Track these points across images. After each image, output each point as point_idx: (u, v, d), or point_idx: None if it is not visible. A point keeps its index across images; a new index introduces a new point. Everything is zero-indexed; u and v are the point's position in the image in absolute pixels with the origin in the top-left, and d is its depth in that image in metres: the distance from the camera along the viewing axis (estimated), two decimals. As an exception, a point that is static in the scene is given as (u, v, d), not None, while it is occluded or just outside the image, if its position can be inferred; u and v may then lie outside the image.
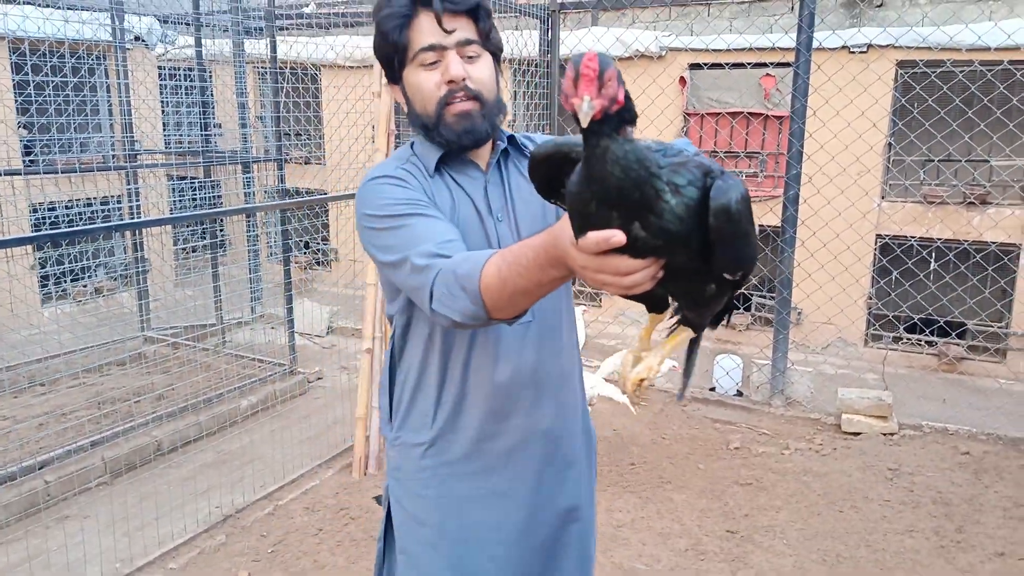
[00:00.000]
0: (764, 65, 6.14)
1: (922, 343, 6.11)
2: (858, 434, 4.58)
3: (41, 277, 6.94)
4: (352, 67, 7.80)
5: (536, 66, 5.40)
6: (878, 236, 5.98)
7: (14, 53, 6.09)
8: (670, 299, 1.17)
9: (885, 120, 5.66)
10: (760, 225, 6.33)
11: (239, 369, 5.43)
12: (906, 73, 5.70)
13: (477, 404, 1.49)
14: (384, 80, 4.00)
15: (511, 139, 1.56)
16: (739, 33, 6.54)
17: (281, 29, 8.54)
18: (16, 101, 6.26)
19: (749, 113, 6.42)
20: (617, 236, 0.94)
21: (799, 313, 6.49)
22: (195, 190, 6.65)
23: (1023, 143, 5.75)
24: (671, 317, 1.20)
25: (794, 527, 3.58)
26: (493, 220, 1.48)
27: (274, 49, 5.18)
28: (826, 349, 6.52)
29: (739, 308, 7.16)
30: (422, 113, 1.44)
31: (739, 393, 5.34)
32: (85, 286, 7.31)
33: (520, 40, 5.45)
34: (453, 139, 1.43)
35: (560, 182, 1.10)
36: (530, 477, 1.54)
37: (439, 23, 1.38)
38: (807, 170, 5.99)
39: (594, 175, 0.92)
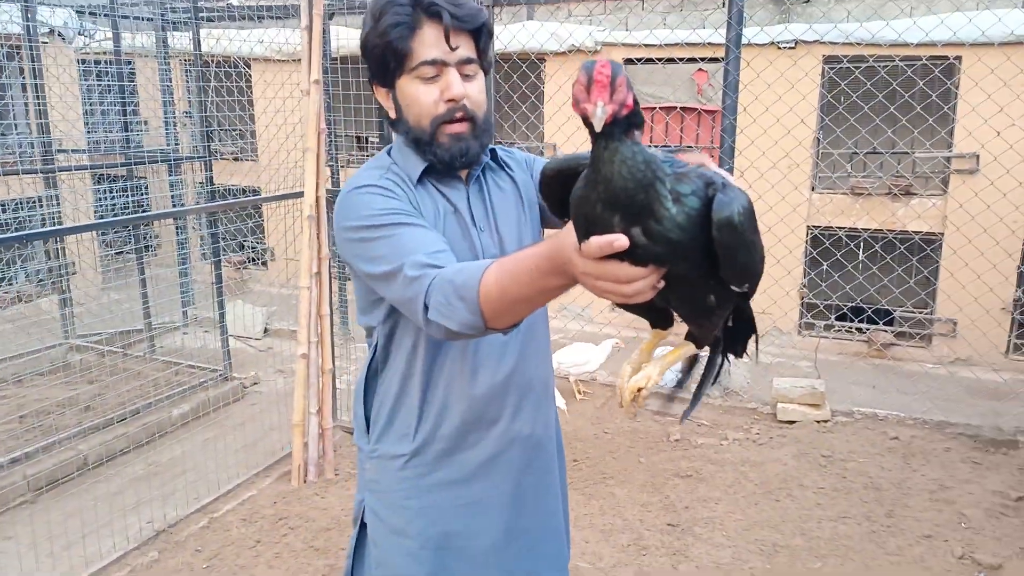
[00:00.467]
0: (696, 60, 6.22)
1: (852, 331, 6.30)
2: (793, 422, 4.70)
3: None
4: (282, 61, 7.60)
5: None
6: (809, 228, 6.13)
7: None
8: (675, 315, 1.17)
9: (813, 115, 5.80)
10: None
11: (171, 376, 5.24)
12: (832, 69, 5.84)
13: (459, 413, 1.50)
14: (313, 77, 3.91)
15: (492, 152, 1.58)
16: (671, 29, 6.60)
17: (208, 20, 8.27)
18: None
19: (682, 108, 6.49)
20: (620, 240, 0.94)
21: (735, 304, 6.62)
22: (122, 191, 6.39)
23: (942, 137, 5.97)
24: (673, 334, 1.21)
25: (732, 518, 3.65)
26: (476, 230, 1.49)
27: (198, 43, 4.98)
28: (762, 339, 6.67)
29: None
30: (415, 126, 1.43)
31: (679, 385, 5.41)
32: (6, 292, 6.96)
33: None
34: (446, 159, 1.43)
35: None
36: (510, 484, 1.56)
37: (446, 38, 1.37)
38: (740, 165, 6.12)
39: (601, 175, 0.94)
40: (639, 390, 1.10)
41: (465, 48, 1.40)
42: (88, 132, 7.33)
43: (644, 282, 0.99)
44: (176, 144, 5.77)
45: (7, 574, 3.24)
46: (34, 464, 4.05)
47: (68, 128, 6.00)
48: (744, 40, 4.59)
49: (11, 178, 5.50)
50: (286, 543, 3.51)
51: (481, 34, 1.43)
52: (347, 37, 6.49)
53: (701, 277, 1.01)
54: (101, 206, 6.90)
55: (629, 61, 6.61)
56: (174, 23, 5.56)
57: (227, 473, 4.12)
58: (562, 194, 1.10)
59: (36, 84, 5.18)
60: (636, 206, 0.94)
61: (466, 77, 1.42)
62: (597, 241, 0.96)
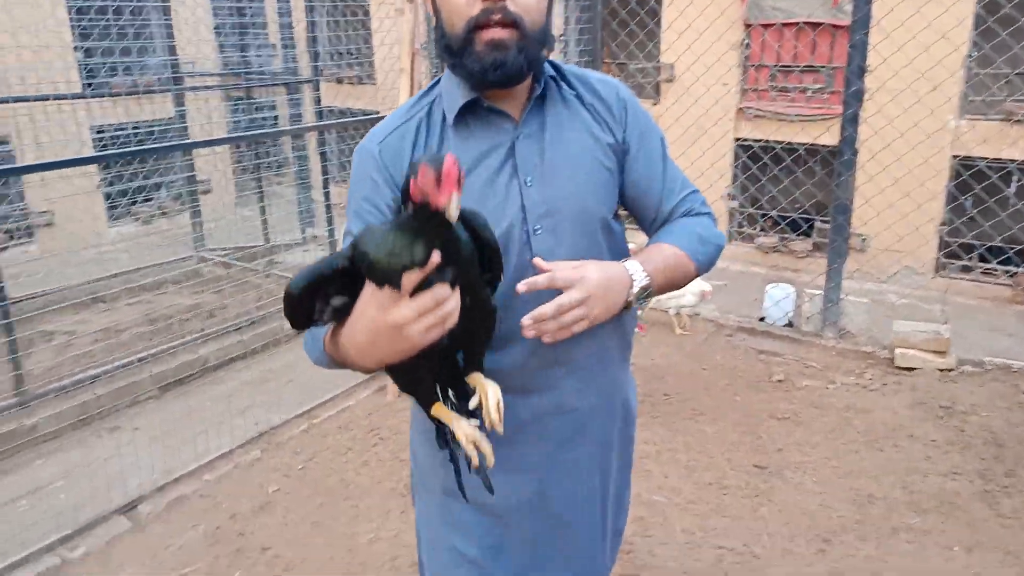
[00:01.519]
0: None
1: (994, 273, 5.72)
2: (912, 369, 4.35)
3: (107, 197, 7.17)
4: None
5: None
6: (953, 157, 5.53)
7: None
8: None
9: (960, 30, 5.13)
10: (819, 144, 5.94)
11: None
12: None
13: (500, 377, 1.30)
14: (411, -7, 3.84)
15: (558, 71, 1.33)
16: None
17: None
18: (74, 26, 6.35)
19: (815, 23, 5.93)
20: (435, 257, 1.02)
21: (863, 239, 6.15)
22: (256, 110, 6.67)
23: None
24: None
25: (828, 464, 3.45)
26: (520, 184, 1.27)
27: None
28: (892, 278, 6.18)
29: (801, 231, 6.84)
30: (449, 31, 1.21)
31: (790, 324, 5.14)
32: (148, 206, 7.54)
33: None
34: (477, 71, 1.19)
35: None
36: (543, 454, 1.42)
37: None
38: (869, 86, 5.56)
39: (450, 254, 1.04)
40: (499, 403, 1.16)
41: None
42: (222, 54, 7.66)
43: (454, 301, 1.04)
44: (294, 66, 5.91)
45: (132, 461, 3.58)
46: (160, 364, 4.43)
47: (195, 51, 6.28)
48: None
49: (146, 98, 5.85)
50: (375, 452, 3.67)
51: None
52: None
53: (478, 286, 1.14)
54: (232, 125, 7.26)
55: (760, -28, 6.09)
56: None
57: (329, 383, 4.33)
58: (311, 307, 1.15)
59: (164, 7, 5.41)
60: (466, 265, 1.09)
61: None
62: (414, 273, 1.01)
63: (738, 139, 6.59)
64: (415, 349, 1.06)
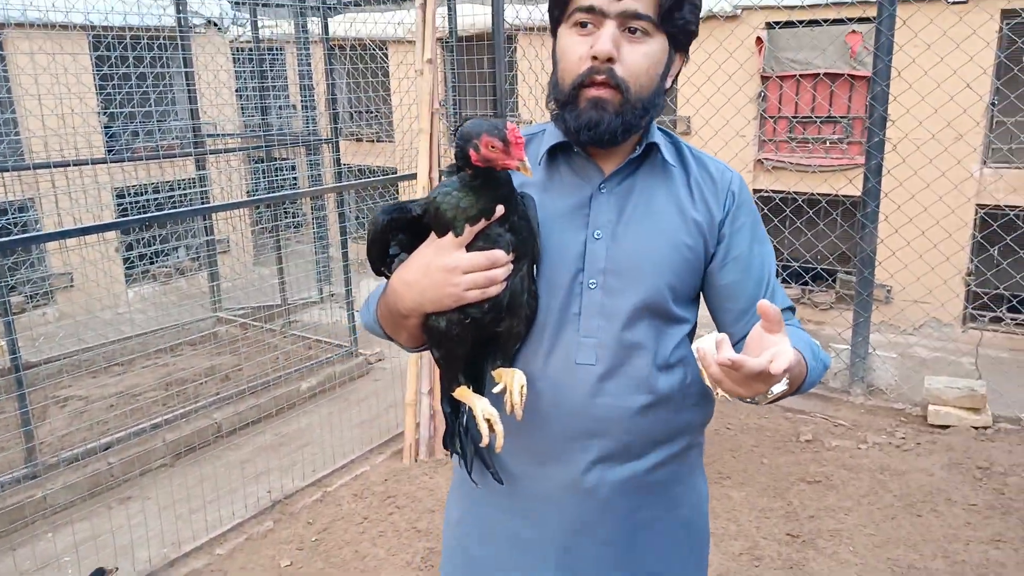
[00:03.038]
0: (846, 21, 5.63)
1: (1027, 325, 5.56)
2: (946, 427, 4.19)
3: (125, 260, 7.23)
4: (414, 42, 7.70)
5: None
6: (977, 208, 5.43)
7: (95, 45, 6.31)
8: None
9: (984, 79, 5.09)
10: (841, 196, 5.86)
11: (302, 350, 5.49)
12: (1008, 24, 5.09)
13: (511, 435, 1.21)
14: (426, 56, 3.87)
15: (675, 144, 1.31)
16: (823, -12, 6.02)
17: (354, 4, 8.55)
18: (97, 91, 6.49)
19: (833, 74, 5.92)
20: (500, 211, 1.10)
21: (888, 291, 6.02)
22: (276, 171, 6.75)
23: None
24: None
25: (864, 532, 3.29)
26: (588, 235, 1.23)
27: (326, 28, 5.11)
28: (919, 330, 6.03)
29: (824, 281, 6.72)
30: (559, 85, 1.20)
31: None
32: (167, 266, 7.59)
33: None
34: (573, 128, 1.18)
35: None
36: (556, 541, 1.28)
37: None
38: (892, 136, 5.50)
39: (510, 218, 1.13)
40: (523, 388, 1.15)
41: (638, 1, 1.13)
42: (244, 116, 7.80)
43: (505, 268, 1.11)
44: (313, 127, 5.99)
45: (142, 533, 3.49)
46: (174, 430, 4.37)
47: (216, 113, 6.39)
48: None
49: (167, 161, 5.92)
50: (391, 521, 3.56)
51: None
52: (473, 15, 6.44)
53: (526, 268, 1.19)
54: (252, 185, 7.34)
55: (770, 25, 6.12)
56: (310, 9, 5.74)
57: (344, 448, 4.24)
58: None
59: (187, 72, 5.52)
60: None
61: (631, 37, 1.14)
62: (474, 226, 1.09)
63: (757, 190, 6.54)
64: (456, 300, 1.11)
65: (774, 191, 6.30)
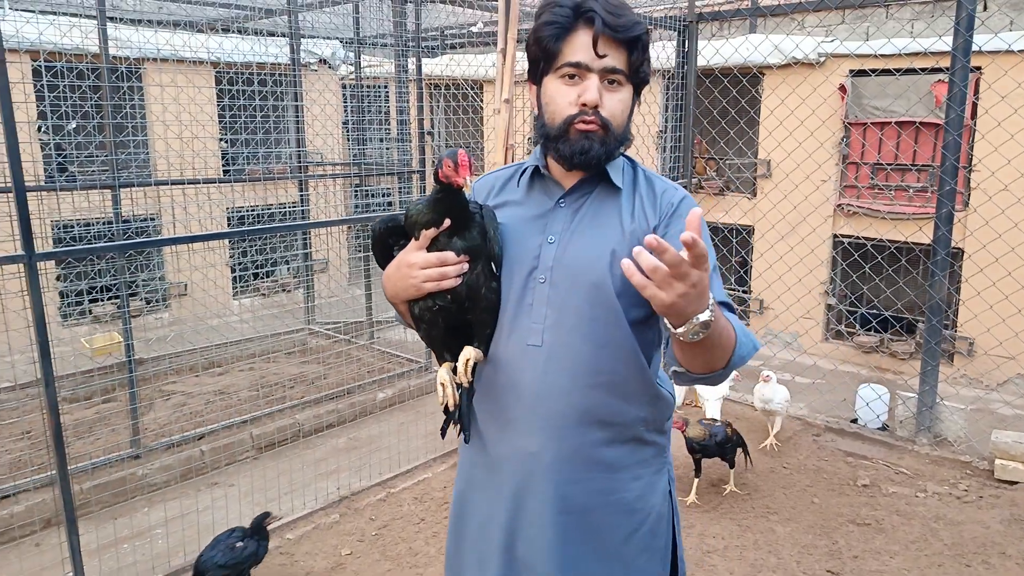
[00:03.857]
0: (938, 70, 5.61)
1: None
2: (1014, 483, 4.08)
3: (233, 271, 7.86)
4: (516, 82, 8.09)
5: (671, 77, 5.34)
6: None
7: (218, 79, 7.00)
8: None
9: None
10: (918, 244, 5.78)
11: (381, 364, 5.86)
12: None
13: (483, 403, 1.55)
14: (504, 96, 4.18)
15: (634, 167, 1.56)
16: (912, 37, 6.02)
17: (453, 47, 9.07)
18: (221, 119, 7.18)
19: (919, 123, 5.89)
20: (446, 224, 1.41)
21: (971, 344, 5.86)
22: (370, 196, 7.24)
23: None
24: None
25: (906, 576, 3.29)
26: (543, 240, 1.49)
27: (419, 69, 5.54)
28: (1002, 386, 5.82)
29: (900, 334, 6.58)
30: (549, 123, 1.46)
31: (884, 427, 4.93)
32: (270, 281, 8.19)
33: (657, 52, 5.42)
34: (567, 154, 1.44)
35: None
36: (510, 495, 1.52)
37: (594, 45, 1.39)
38: (987, 186, 5.42)
39: (461, 227, 1.42)
40: (467, 361, 1.46)
41: (614, 58, 1.40)
42: (347, 146, 8.38)
43: (456, 267, 1.40)
44: (406, 157, 6.43)
45: (224, 515, 3.86)
46: (260, 427, 4.77)
47: (321, 144, 6.94)
48: (975, 47, 4.09)
49: (286, 183, 6.47)
50: (445, 524, 3.79)
51: (634, 47, 1.42)
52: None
53: (482, 267, 1.46)
54: (349, 210, 7.86)
55: (860, 73, 6.14)
56: (409, 49, 6.20)
57: (410, 455, 4.52)
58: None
59: (298, 106, 6.06)
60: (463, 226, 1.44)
61: (609, 87, 1.42)
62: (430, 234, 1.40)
63: (839, 236, 6.51)
64: (417, 291, 1.43)
65: (861, 237, 6.27)
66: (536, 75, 1.48)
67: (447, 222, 1.40)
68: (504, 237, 1.50)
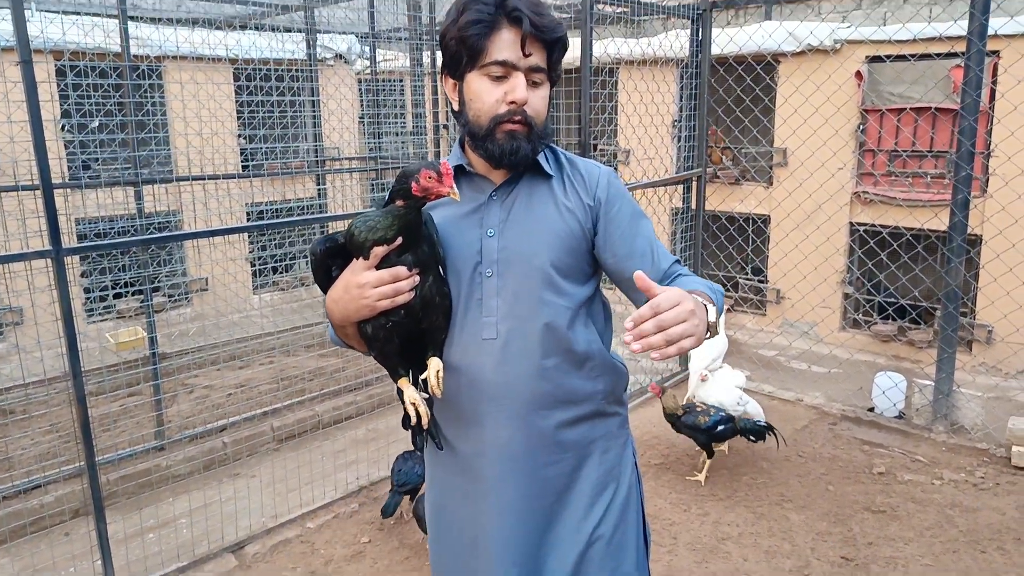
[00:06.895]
0: (954, 55, 5.55)
1: None
2: (1031, 470, 4.07)
3: (252, 264, 7.97)
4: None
5: (686, 66, 5.34)
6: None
7: (236, 75, 7.09)
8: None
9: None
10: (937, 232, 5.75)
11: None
12: None
13: (445, 407, 1.57)
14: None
15: (555, 154, 1.60)
16: (928, 21, 5.96)
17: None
18: (239, 115, 7.27)
19: (936, 109, 5.83)
20: (397, 242, 1.38)
21: (990, 332, 5.81)
22: (387, 189, 7.30)
23: None
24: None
25: (921, 562, 3.30)
26: (481, 234, 1.52)
27: (434, 62, 5.58)
28: (1022, 373, 5.78)
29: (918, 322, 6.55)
30: (474, 121, 1.48)
31: (901, 415, 4.92)
32: (289, 276, 8.29)
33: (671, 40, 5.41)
34: (497, 155, 1.46)
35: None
36: (489, 490, 1.54)
37: (522, 45, 1.42)
38: (1005, 172, 5.37)
39: (414, 242, 1.40)
40: (437, 372, 1.43)
41: (537, 57, 1.45)
42: (362, 140, 8.45)
43: (409, 281, 1.38)
44: (422, 151, 6.49)
45: (246, 504, 3.96)
46: (280, 419, 4.86)
47: (338, 139, 7.01)
48: (991, 31, 4.06)
49: (304, 178, 6.55)
50: (462, 514, 3.85)
51: (556, 47, 1.47)
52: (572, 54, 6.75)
53: (433, 277, 1.45)
54: (366, 203, 7.93)
55: (876, 59, 6.10)
56: (424, 43, 6.25)
57: (428, 446, 4.58)
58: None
59: (315, 102, 6.13)
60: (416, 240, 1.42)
61: (532, 85, 1.46)
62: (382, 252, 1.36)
63: (856, 223, 6.48)
64: (371, 310, 1.39)
65: (879, 224, 6.24)
66: (456, 71, 1.50)
67: (399, 240, 1.36)
68: (442, 237, 1.52)
